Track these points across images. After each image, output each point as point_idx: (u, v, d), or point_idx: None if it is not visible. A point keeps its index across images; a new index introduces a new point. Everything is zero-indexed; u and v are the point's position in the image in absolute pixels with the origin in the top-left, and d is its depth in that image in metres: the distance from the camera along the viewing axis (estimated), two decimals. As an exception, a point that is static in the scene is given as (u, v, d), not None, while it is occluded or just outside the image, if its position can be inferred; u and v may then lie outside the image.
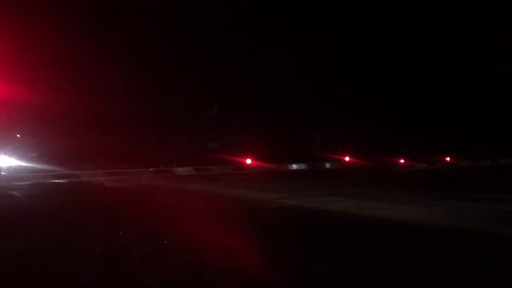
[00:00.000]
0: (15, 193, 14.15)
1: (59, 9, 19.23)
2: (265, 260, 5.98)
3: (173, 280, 5.34)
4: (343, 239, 7.41)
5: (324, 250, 6.71)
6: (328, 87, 25.22)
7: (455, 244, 7.07)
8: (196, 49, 23.77)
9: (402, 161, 21.87)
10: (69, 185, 15.17)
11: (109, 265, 5.97)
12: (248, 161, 16.23)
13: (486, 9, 24.55)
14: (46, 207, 11.16)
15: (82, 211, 10.01)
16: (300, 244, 7.10)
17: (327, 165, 21.25)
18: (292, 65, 24.90)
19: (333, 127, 25.64)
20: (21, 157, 17.26)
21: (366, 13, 25.60)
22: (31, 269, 5.86)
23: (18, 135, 19.56)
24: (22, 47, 18.01)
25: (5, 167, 16.08)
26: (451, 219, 9.23)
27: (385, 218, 9.37)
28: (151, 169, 14.91)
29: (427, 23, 25.41)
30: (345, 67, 25.65)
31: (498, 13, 24.06)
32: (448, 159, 21.10)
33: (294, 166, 19.58)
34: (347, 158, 21.78)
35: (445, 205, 11.15)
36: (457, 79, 25.94)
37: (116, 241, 7.22)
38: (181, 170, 14.87)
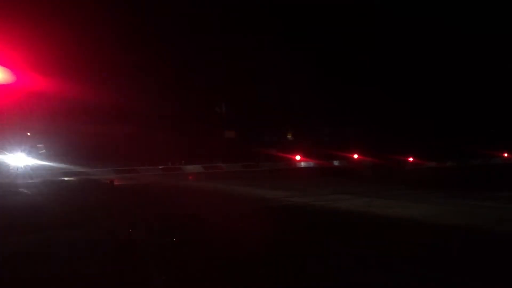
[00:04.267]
0: (25, 190, 14.25)
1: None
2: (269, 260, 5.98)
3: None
4: (351, 239, 7.37)
5: (332, 250, 6.67)
6: (337, 86, 25.13)
7: (469, 244, 6.99)
8: (207, 49, 23.82)
9: (411, 159, 21.72)
10: (78, 183, 15.29)
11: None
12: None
13: (490, 11, 24.38)
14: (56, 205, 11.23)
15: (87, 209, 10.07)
16: (307, 243, 7.07)
17: (336, 163, 21.15)
18: (301, 64, 24.84)
19: (342, 125, 25.54)
20: (36, 155, 17.56)
21: (379, 17, 25.51)
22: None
23: (28, 133, 19.75)
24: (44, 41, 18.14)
25: (22, 166, 16.37)
26: (462, 218, 9.11)
27: (396, 217, 9.28)
28: (160, 167, 14.94)
29: (437, 27, 25.27)
30: (353, 66, 25.56)
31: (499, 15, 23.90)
32: (458, 157, 20.94)
33: (303, 164, 19.52)
34: (355, 156, 21.66)
35: (456, 204, 11.04)
36: (467, 79, 25.72)
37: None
38: (190, 168, 14.89)
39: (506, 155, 24.88)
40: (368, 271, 5.55)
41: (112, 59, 20.09)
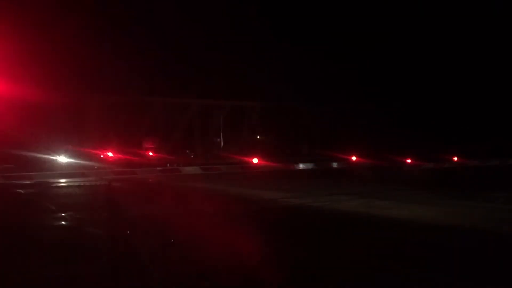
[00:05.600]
0: (22, 191, 14.19)
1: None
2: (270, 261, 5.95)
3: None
4: (349, 240, 7.35)
5: (330, 251, 6.65)
6: (334, 87, 25.15)
7: (468, 245, 6.97)
8: (204, 48, 23.81)
9: (409, 160, 21.69)
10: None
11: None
12: (255, 160, 16.17)
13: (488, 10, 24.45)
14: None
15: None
16: (307, 244, 7.05)
17: (334, 164, 21.11)
18: (299, 65, 24.88)
19: (340, 127, 25.53)
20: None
21: (374, 16, 25.56)
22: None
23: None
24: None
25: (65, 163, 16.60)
26: (460, 219, 9.12)
27: (394, 218, 9.28)
28: (158, 168, 14.92)
29: (433, 29, 25.33)
30: (352, 67, 25.57)
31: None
32: (456, 158, 20.91)
33: (301, 166, 19.45)
34: (354, 158, 21.64)
35: (454, 205, 11.03)
36: (464, 80, 25.76)
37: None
38: (188, 169, 14.85)
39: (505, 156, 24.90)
40: (367, 272, 5.52)
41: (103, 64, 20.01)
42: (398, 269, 5.62)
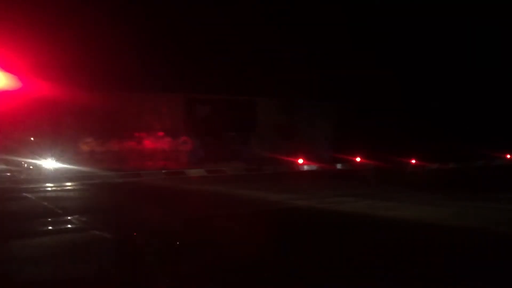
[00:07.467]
0: (29, 195, 14.29)
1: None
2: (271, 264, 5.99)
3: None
4: (357, 240, 7.38)
5: (336, 252, 6.68)
6: (338, 87, 25.12)
7: (472, 245, 6.99)
8: (207, 43, 23.64)
9: (413, 161, 21.70)
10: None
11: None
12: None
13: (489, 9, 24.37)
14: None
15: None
16: (308, 245, 7.09)
17: (339, 166, 21.14)
18: (302, 62, 24.79)
19: (345, 128, 25.51)
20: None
21: (382, 14, 25.47)
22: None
23: (32, 138, 19.80)
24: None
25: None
26: (466, 220, 9.14)
27: (398, 219, 9.31)
28: (163, 171, 14.98)
29: (440, 26, 25.25)
30: (355, 66, 25.52)
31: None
32: (460, 159, 20.92)
33: (306, 167, 19.50)
34: (358, 159, 21.65)
35: (459, 205, 11.04)
36: (467, 80, 25.72)
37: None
38: (193, 172, 14.92)
39: (508, 156, 24.86)
40: (368, 272, 5.56)
41: (121, 61, 19.90)
42: (398, 269, 5.65)
